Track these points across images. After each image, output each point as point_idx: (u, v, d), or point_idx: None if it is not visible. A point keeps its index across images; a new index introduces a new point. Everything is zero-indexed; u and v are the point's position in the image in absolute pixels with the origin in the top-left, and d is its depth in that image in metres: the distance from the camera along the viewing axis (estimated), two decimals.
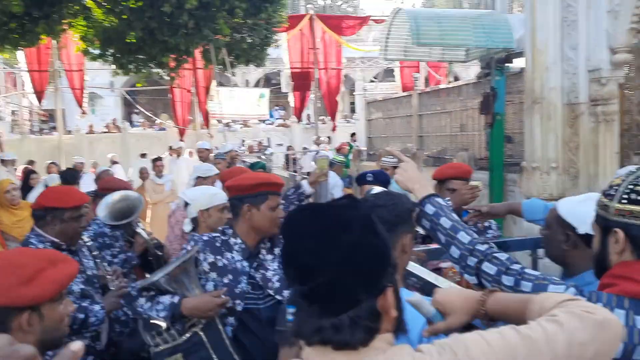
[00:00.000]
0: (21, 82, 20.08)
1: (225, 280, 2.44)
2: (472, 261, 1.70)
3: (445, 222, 1.77)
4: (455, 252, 1.74)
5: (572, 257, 1.96)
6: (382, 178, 3.60)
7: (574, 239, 1.91)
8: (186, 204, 3.17)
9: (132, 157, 14.68)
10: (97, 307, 2.60)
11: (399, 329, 1.07)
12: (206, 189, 3.34)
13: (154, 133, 19.06)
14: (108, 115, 23.33)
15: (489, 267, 1.65)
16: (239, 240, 2.50)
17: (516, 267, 1.60)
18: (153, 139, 15.95)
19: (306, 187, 3.36)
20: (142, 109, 20.98)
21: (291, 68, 15.90)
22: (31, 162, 11.05)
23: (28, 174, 8.02)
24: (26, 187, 7.38)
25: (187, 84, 16.31)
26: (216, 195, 3.15)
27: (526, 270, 1.58)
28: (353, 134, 15.85)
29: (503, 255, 1.66)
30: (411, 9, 6.22)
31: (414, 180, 1.89)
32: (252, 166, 6.85)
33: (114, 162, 12.07)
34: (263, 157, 11.24)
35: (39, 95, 15.80)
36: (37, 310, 1.49)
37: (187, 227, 3.25)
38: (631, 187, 1.37)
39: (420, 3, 24.25)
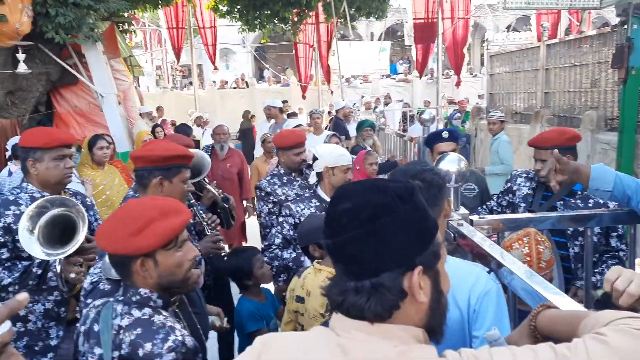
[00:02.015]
0: (163, 39, 21.72)
1: None
2: None
3: None
4: None
5: None
6: (456, 135, 3.41)
7: None
8: (314, 159, 3.27)
9: (258, 111, 15.34)
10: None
11: (435, 333, 1.01)
12: (335, 147, 3.40)
13: (279, 89, 19.70)
14: (240, 71, 24.50)
15: None
16: None
17: None
18: (277, 94, 16.52)
19: None
20: (267, 66, 21.64)
21: (414, 19, 15.24)
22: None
23: (154, 128, 8.48)
24: None
25: (309, 39, 16.47)
26: (343, 155, 3.25)
27: None
28: (480, 96, 14.98)
29: None
30: None
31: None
32: (360, 124, 6.81)
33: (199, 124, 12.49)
34: (374, 114, 11.08)
35: (177, 52, 17.01)
36: (151, 256, 1.66)
37: (312, 179, 3.40)
38: None
39: None
